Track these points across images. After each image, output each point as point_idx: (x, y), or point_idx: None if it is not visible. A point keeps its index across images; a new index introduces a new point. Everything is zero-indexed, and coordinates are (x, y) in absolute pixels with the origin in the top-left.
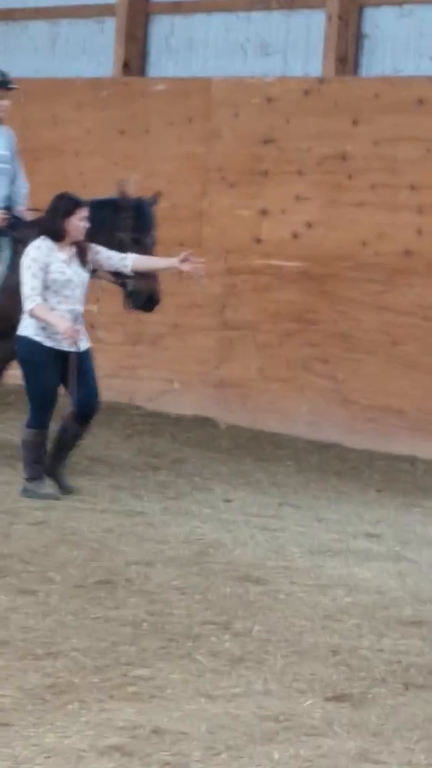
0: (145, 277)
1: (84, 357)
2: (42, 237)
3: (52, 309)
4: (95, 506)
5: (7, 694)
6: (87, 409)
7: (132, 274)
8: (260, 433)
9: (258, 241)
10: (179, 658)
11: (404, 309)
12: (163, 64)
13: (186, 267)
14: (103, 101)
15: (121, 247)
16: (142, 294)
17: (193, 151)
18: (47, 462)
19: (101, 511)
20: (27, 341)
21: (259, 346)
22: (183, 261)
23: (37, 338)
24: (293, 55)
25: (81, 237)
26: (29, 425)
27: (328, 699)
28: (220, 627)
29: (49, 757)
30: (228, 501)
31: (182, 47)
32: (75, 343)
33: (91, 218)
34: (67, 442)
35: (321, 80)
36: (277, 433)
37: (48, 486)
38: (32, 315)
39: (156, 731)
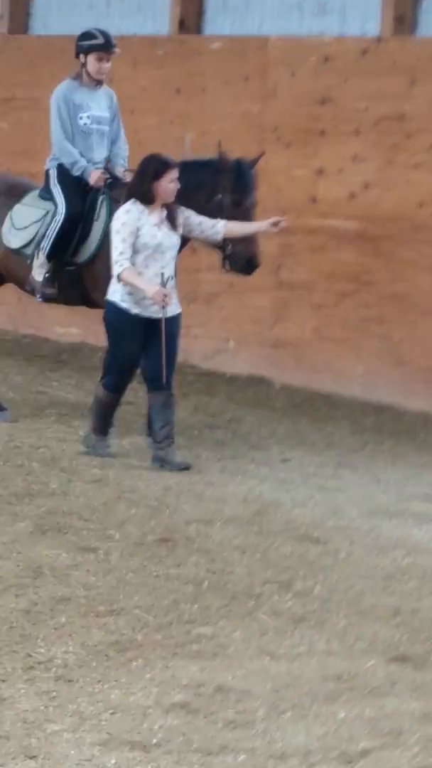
0: (244, 239)
1: (171, 323)
2: (131, 200)
3: (141, 273)
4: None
5: (71, 650)
6: (153, 374)
7: (221, 239)
8: (315, 393)
9: (314, 200)
10: (241, 617)
11: None
12: (219, 22)
13: (276, 230)
14: (159, 59)
15: (220, 210)
16: (241, 257)
17: (249, 110)
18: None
19: (159, 469)
20: (113, 307)
21: (314, 306)
22: (274, 224)
23: (124, 304)
24: (351, 13)
25: (171, 199)
26: (105, 386)
27: (390, 660)
28: (281, 586)
29: (115, 713)
30: (285, 461)
31: (239, 5)
32: (164, 307)
33: (190, 180)
34: (155, 417)
35: (378, 39)
36: (331, 394)
37: (108, 445)
38: (121, 279)
39: (220, 689)
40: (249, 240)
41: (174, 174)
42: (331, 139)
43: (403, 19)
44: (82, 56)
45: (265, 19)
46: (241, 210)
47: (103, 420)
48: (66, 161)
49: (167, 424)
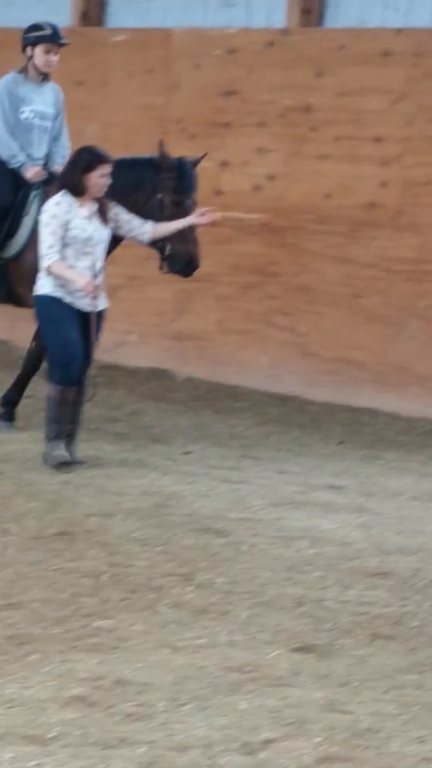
0: (184, 240)
1: (98, 317)
2: (62, 192)
3: (71, 267)
4: None
5: None
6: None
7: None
8: (219, 385)
9: (218, 193)
10: (141, 609)
11: (366, 261)
12: (122, 14)
13: (204, 220)
14: (62, 52)
15: (160, 209)
16: (180, 258)
17: (152, 103)
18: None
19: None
20: (44, 298)
21: (218, 298)
22: (200, 216)
23: (56, 294)
24: (256, 5)
25: (101, 194)
26: (56, 382)
27: (293, 650)
28: (182, 578)
29: (11, 707)
30: (187, 453)
31: None
32: (95, 298)
33: (128, 178)
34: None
35: (284, 31)
36: (236, 386)
37: (62, 448)
38: (50, 272)
39: (119, 682)
40: (188, 240)
41: (106, 168)
42: (235, 131)
43: (310, 11)
44: (29, 49)
45: (169, 12)
46: (181, 210)
47: (59, 423)
48: (3, 153)
49: (75, 422)
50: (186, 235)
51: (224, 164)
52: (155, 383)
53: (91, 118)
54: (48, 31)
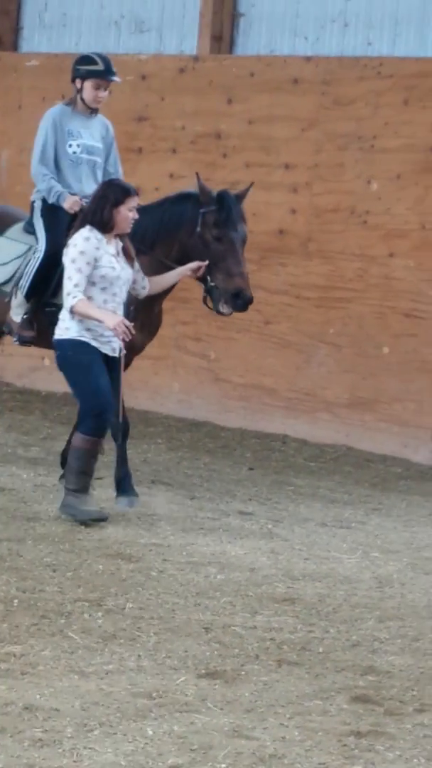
0: (228, 272)
1: (116, 362)
2: (89, 227)
3: (98, 307)
4: None
5: None
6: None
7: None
8: (130, 410)
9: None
10: (51, 635)
11: (277, 288)
12: (36, 39)
13: (198, 275)
14: None
15: (203, 245)
16: (225, 292)
17: None
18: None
19: None
20: (70, 343)
21: None
22: (194, 270)
23: (83, 339)
24: (168, 32)
25: (128, 229)
26: (84, 432)
27: (201, 676)
28: (92, 604)
29: None
30: (99, 478)
31: (56, 23)
32: (125, 341)
33: (170, 214)
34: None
35: (196, 58)
36: (147, 411)
37: (93, 502)
38: (75, 312)
39: (28, 708)
40: (232, 273)
41: (134, 202)
42: (148, 157)
43: (221, 39)
44: (78, 81)
45: (83, 37)
46: (225, 245)
47: (84, 475)
48: (41, 187)
49: (87, 473)
50: (231, 269)
51: (137, 190)
52: (69, 408)
53: (4, 143)
54: (100, 67)
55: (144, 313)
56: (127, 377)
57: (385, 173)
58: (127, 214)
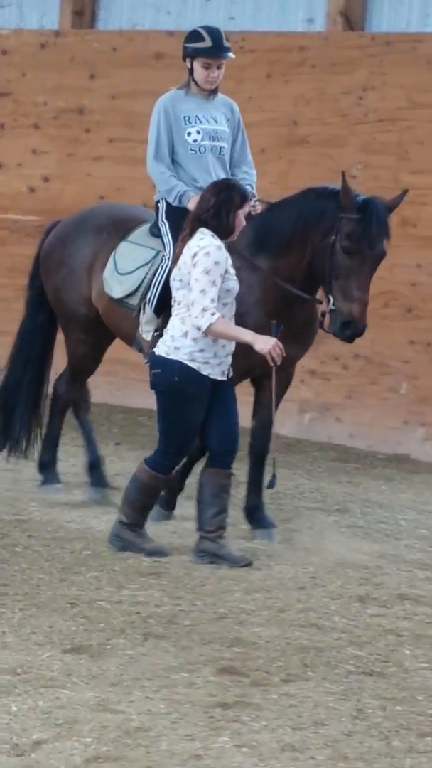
0: (346, 294)
1: (228, 385)
2: (211, 233)
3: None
4: None
5: None
6: (226, 446)
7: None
8: None
9: None
10: None
11: None
12: None
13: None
14: None
15: (331, 255)
16: (338, 317)
17: None
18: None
19: None
20: (180, 367)
21: None
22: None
23: (193, 364)
24: (28, 7)
25: (236, 237)
26: (152, 466)
27: (66, 651)
28: None
29: None
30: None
31: None
32: (276, 363)
33: (312, 209)
34: (209, 501)
35: (57, 33)
36: None
37: (149, 539)
38: (212, 332)
39: None
40: (351, 297)
41: (249, 206)
42: (10, 132)
43: (82, 13)
44: (188, 60)
45: None
46: (354, 264)
47: (144, 511)
48: (160, 188)
49: (223, 511)
50: (351, 292)
51: None
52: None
53: None
54: (207, 43)
55: (288, 323)
56: None
57: (249, 147)
58: (242, 220)
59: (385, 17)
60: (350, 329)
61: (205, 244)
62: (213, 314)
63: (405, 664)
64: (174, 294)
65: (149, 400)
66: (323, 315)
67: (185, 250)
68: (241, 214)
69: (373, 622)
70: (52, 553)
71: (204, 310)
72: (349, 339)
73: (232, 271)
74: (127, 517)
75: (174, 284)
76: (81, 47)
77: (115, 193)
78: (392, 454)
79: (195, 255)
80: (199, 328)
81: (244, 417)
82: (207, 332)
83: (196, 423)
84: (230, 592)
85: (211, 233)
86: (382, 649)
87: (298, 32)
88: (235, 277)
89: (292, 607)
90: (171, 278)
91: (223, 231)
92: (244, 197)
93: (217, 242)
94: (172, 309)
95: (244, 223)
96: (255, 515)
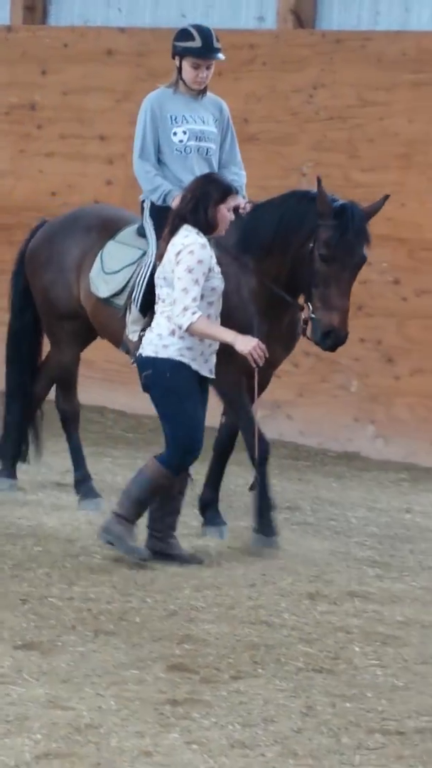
0: (326, 303)
1: (206, 384)
2: (195, 230)
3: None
4: None
5: None
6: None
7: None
8: None
9: None
10: None
11: None
12: None
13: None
14: None
15: (310, 263)
16: (319, 326)
17: None
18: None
19: None
20: (169, 364)
21: None
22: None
23: (183, 359)
24: None
25: (223, 233)
26: (162, 461)
27: (17, 647)
28: None
29: None
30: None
31: None
32: (258, 364)
33: (292, 213)
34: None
35: (8, 29)
36: None
37: (135, 537)
38: (193, 331)
39: None
40: (330, 305)
41: (234, 201)
42: None
43: (33, 9)
44: (177, 59)
45: None
46: (332, 271)
47: (140, 506)
48: (145, 187)
49: (177, 512)
50: (330, 300)
51: None
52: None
53: None
54: (197, 43)
55: (274, 324)
56: None
57: None
58: (226, 215)
59: (335, 15)
60: (331, 339)
61: (189, 241)
62: (194, 313)
63: (354, 661)
64: (158, 292)
65: (100, 397)
66: (305, 322)
67: (169, 247)
68: (224, 209)
69: (323, 620)
70: (2, 549)
71: (185, 309)
72: (331, 348)
73: (217, 269)
74: (122, 508)
75: (158, 282)
76: (32, 43)
77: (67, 190)
78: (342, 451)
79: (179, 253)
80: (180, 327)
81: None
82: (188, 331)
83: (198, 419)
84: (180, 589)
85: (196, 230)
86: (331, 647)
87: (248, 30)
88: (220, 276)
89: (242, 604)
90: (156, 276)
91: (202, 226)
92: (225, 192)
93: (202, 240)
94: (156, 307)
95: (229, 218)
96: (209, 511)
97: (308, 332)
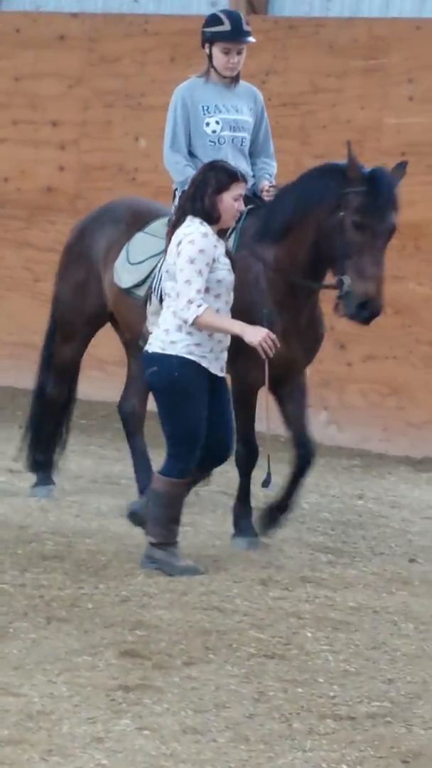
0: (360, 272)
1: (223, 383)
2: (199, 220)
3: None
4: None
5: None
6: (220, 451)
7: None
8: None
9: None
10: None
11: (46, 246)
12: None
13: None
14: None
15: (341, 231)
16: (354, 299)
17: None
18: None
19: None
20: (179, 361)
21: None
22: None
23: (192, 357)
24: None
25: (232, 223)
26: (166, 473)
27: None
28: None
29: None
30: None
31: None
32: (269, 356)
33: (312, 188)
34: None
35: None
36: None
37: (182, 557)
38: (199, 324)
39: None
40: (365, 274)
41: (240, 189)
42: None
43: None
44: (207, 46)
45: None
46: (366, 237)
47: (170, 525)
48: (176, 179)
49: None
50: (365, 269)
51: None
52: None
53: None
54: (226, 27)
55: (291, 318)
56: None
57: (153, 131)
58: (231, 204)
59: (287, 2)
60: (368, 309)
61: (189, 231)
62: (200, 306)
63: (306, 646)
64: (163, 285)
65: None
66: (338, 300)
67: (172, 238)
68: (228, 197)
69: (275, 605)
70: None
71: (190, 301)
72: (367, 320)
73: (224, 260)
74: (155, 536)
75: (163, 275)
76: None
77: (19, 176)
78: None
79: (180, 243)
80: (186, 321)
81: None
82: (194, 325)
83: (202, 418)
84: (133, 575)
85: (200, 220)
86: (283, 632)
87: (201, 15)
88: (228, 267)
89: (195, 590)
90: (161, 269)
91: (202, 215)
92: (229, 179)
93: (204, 229)
94: (163, 302)
95: (236, 207)
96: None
97: (340, 309)
